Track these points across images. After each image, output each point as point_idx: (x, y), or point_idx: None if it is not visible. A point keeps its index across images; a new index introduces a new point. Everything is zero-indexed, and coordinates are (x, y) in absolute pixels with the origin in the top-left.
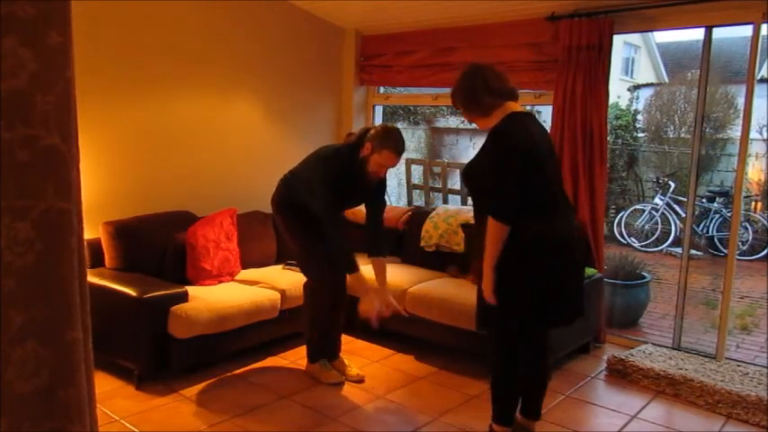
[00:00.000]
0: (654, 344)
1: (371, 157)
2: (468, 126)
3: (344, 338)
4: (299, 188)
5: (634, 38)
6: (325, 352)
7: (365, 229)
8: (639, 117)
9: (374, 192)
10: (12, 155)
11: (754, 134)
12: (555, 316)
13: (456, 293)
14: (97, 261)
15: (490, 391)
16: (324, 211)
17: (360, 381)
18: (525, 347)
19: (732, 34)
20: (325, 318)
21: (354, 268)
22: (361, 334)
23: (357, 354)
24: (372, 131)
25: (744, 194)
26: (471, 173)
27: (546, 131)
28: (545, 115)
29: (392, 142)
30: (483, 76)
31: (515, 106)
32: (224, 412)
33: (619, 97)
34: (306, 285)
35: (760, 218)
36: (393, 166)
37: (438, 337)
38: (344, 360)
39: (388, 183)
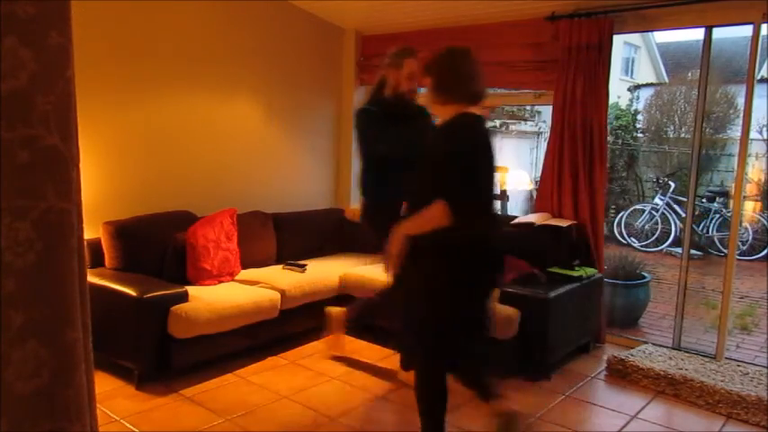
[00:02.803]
0: (654, 344)
1: (400, 77)
2: None
3: (345, 339)
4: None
5: (634, 38)
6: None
7: None
8: (639, 117)
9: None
10: (12, 155)
11: (754, 134)
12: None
13: None
14: (97, 261)
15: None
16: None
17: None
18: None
19: (732, 34)
20: None
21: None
22: (361, 334)
23: (357, 354)
24: (383, 65)
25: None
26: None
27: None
28: (545, 115)
29: (405, 51)
30: (468, 75)
31: (473, 108)
32: (224, 412)
33: (619, 97)
34: None
35: (760, 218)
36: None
37: None
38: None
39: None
